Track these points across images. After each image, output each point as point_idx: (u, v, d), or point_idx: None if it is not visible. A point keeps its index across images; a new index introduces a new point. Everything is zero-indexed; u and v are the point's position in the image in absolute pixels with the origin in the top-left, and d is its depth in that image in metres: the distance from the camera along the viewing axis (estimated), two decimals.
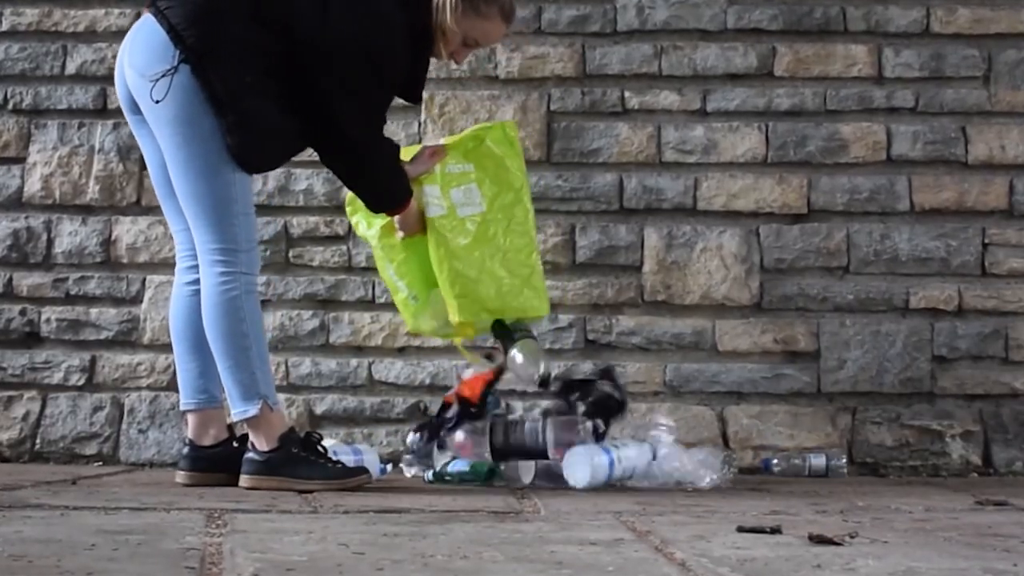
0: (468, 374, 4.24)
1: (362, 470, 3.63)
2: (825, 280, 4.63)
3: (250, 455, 3.57)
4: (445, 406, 4.14)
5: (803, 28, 4.72)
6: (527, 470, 3.83)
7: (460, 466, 3.87)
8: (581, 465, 3.70)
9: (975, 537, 2.58)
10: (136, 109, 3.63)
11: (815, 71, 4.71)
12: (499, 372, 4.25)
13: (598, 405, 3.97)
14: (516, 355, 3.96)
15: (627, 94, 4.70)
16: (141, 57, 3.55)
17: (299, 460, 3.56)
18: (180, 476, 3.70)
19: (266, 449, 3.54)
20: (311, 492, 3.40)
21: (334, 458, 3.65)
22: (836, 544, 2.37)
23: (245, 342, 3.54)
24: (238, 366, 3.54)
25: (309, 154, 4.62)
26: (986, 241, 4.63)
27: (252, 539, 2.39)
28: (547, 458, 3.81)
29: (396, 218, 3.85)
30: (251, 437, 3.58)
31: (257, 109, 3.51)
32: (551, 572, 2.05)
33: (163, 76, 3.47)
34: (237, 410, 3.56)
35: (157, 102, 3.49)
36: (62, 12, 4.76)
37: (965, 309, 4.62)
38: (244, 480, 3.55)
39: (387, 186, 3.76)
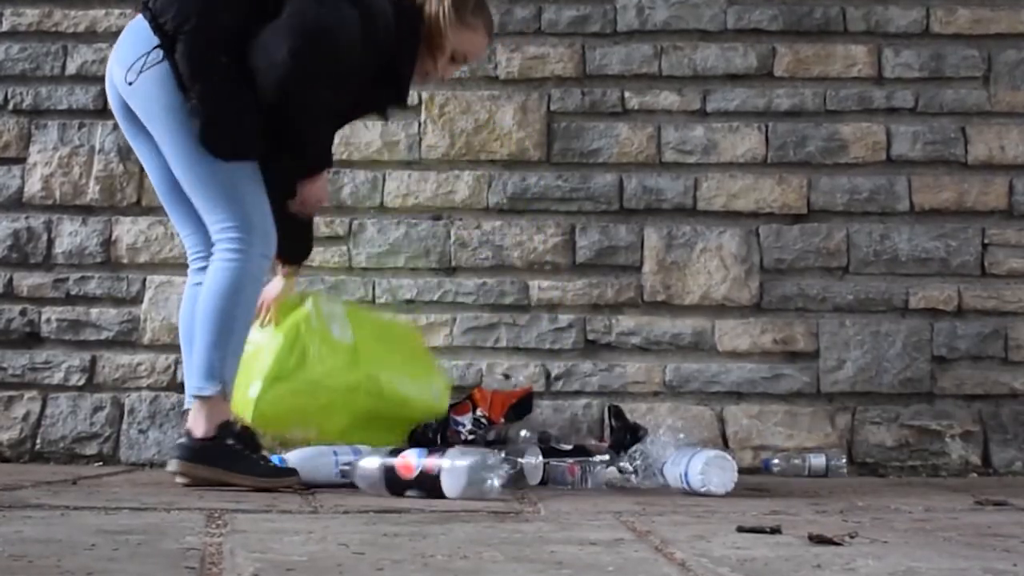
0: (491, 386, 4.24)
1: (291, 471, 3.52)
2: (825, 280, 4.63)
3: (183, 441, 3.50)
4: (455, 412, 4.15)
5: (803, 28, 4.72)
6: (534, 473, 3.79)
7: None
8: (721, 472, 3.55)
9: (975, 537, 2.58)
10: (128, 114, 3.60)
11: (815, 71, 4.71)
12: (529, 395, 4.25)
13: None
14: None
15: (627, 94, 4.71)
16: (127, 51, 3.54)
17: (231, 453, 3.46)
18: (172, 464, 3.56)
19: (200, 436, 3.45)
20: (236, 487, 3.37)
21: (257, 458, 3.53)
22: (836, 544, 2.37)
23: (232, 324, 3.50)
24: (215, 345, 3.48)
25: None
26: (986, 241, 4.63)
27: (252, 539, 2.39)
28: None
29: (306, 185, 3.67)
30: (190, 419, 3.50)
31: (221, 91, 3.44)
32: (551, 572, 2.05)
33: (137, 60, 3.46)
34: (195, 385, 3.50)
35: (130, 84, 3.48)
36: (62, 12, 4.76)
37: (965, 309, 4.62)
38: (173, 464, 3.48)
39: (324, 142, 3.69)
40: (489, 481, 3.27)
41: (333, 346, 3.99)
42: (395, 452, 3.42)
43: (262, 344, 3.83)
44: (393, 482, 3.34)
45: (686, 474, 3.55)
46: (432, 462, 3.31)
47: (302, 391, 3.87)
